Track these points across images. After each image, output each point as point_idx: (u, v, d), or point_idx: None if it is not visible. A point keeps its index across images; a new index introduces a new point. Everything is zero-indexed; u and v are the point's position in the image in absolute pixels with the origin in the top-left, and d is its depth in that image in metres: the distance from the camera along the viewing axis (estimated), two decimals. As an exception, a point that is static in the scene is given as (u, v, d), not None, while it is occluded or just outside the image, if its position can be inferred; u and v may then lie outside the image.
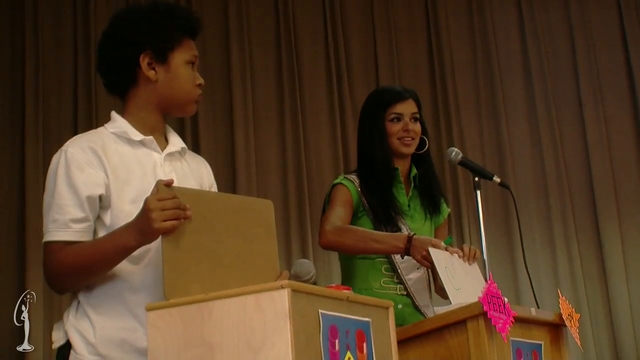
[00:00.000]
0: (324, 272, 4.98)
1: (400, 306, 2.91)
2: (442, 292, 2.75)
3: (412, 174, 3.09)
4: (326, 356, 1.75)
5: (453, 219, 5.30)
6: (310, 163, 5.42)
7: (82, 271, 2.04)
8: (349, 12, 5.73)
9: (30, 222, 4.76)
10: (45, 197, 2.10)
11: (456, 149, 2.96)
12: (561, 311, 2.56)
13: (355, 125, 3.26)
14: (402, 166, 3.07)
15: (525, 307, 2.52)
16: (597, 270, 5.55)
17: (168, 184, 1.93)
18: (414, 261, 2.81)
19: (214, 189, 2.37)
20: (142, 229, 1.92)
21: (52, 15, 5.23)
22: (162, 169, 2.17)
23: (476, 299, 2.25)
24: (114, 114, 2.23)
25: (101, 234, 2.08)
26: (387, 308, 2.01)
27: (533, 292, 2.98)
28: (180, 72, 2.19)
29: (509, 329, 2.26)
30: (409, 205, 3.07)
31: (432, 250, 2.69)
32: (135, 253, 2.01)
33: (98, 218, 2.09)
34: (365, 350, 1.87)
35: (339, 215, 2.92)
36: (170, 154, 2.22)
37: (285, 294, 1.69)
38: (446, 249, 2.74)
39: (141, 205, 1.93)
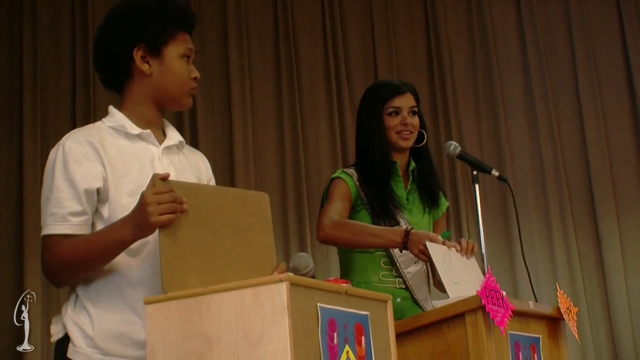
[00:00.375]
0: (322, 266, 4.99)
1: (398, 300, 2.91)
2: (440, 286, 2.75)
3: (411, 168, 3.09)
4: (324, 350, 1.76)
5: (451, 213, 5.30)
6: (309, 158, 5.42)
7: (79, 264, 2.04)
8: (347, 7, 5.73)
9: (28, 219, 4.76)
10: (43, 191, 2.10)
11: (455, 143, 2.96)
12: (559, 305, 2.56)
13: (354, 120, 3.26)
14: (400, 160, 3.07)
15: (524, 301, 2.52)
16: (595, 264, 5.56)
17: (164, 178, 1.94)
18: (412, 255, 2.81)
19: (212, 183, 2.37)
20: (139, 223, 1.92)
21: (50, 12, 5.22)
22: (160, 162, 2.17)
23: (474, 293, 2.25)
24: (111, 109, 2.24)
25: (99, 227, 2.08)
26: (386, 302, 2.01)
27: (531, 285, 2.98)
28: (174, 65, 2.20)
29: (507, 322, 2.27)
30: (407, 199, 3.07)
31: (429, 244, 2.69)
32: (133, 246, 2.02)
33: (96, 211, 2.09)
34: (363, 344, 1.87)
35: (337, 209, 2.92)
36: (168, 148, 2.23)
37: (283, 288, 1.69)
38: (444, 243, 2.74)
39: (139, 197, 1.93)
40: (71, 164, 2.07)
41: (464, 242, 2.79)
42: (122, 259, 2.05)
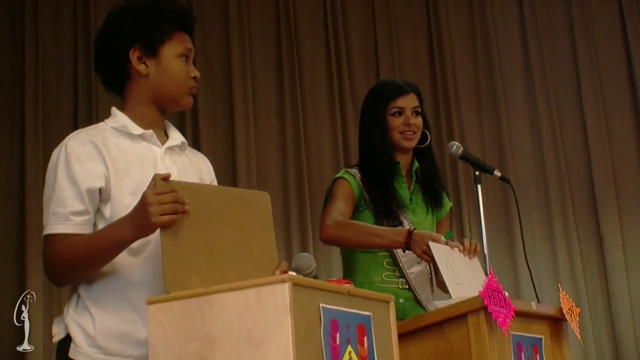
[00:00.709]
0: (324, 266, 4.99)
1: (401, 300, 2.91)
2: (443, 287, 2.75)
3: (414, 168, 3.09)
4: (327, 350, 1.76)
5: (453, 213, 5.29)
6: (311, 158, 5.42)
7: (80, 264, 2.04)
8: (349, 6, 5.73)
9: (30, 219, 4.75)
10: (46, 190, 2.11)
11: (457, 143, 2.96)
12: (562, 306, 2.56)
13: (356, 119, 3.26)
14: (403, 160, 3.07)
15: (526, 302, 2.52)
16: (597, 263, 5.56)
17: (165, 178, 1.93)
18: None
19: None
20: (140, 222, 1.92)
21: (52, 11, 5.22)
22: (162, 162, 2.17)
23: (477, 293, 2.25)
24: (114, 110, 2.24)
25: (101, 226, 2.08)
26: (388, 302, 2.01)
27: (533, 286, 2.98)
28: (171, 65, 2.20)
29: (510, 323, 2.27)
30: (410, 199, 3.07)
31: (432, 244, 2.69)
32: (135, 245, 2.02)
33: (98, 211, 2.09)
34: (366, 344, 1.87)
35: (339, 209, 2.92)
36: (170, 148, 2.23)
37: (286, 288, 1.69)
38: (446, 243, 2.74)
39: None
40: (74, 164, 2.07)
41: (466, 242, 2.79)
42: (124, 259, 2.05)
